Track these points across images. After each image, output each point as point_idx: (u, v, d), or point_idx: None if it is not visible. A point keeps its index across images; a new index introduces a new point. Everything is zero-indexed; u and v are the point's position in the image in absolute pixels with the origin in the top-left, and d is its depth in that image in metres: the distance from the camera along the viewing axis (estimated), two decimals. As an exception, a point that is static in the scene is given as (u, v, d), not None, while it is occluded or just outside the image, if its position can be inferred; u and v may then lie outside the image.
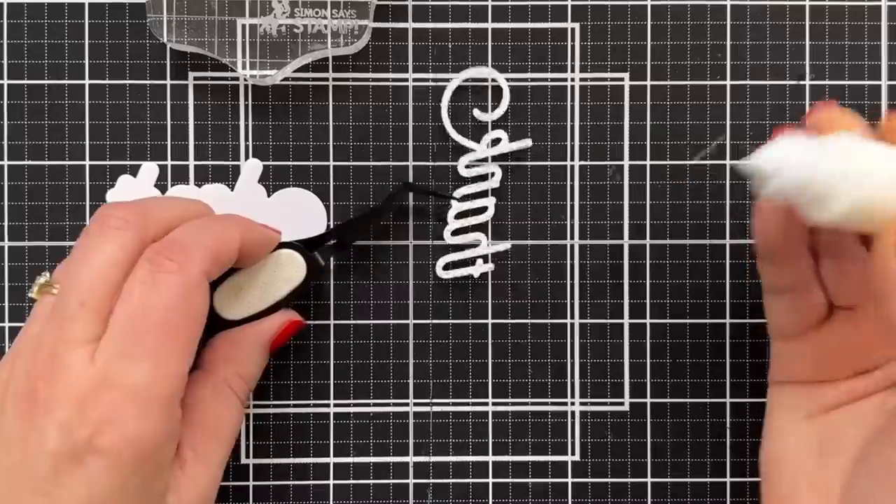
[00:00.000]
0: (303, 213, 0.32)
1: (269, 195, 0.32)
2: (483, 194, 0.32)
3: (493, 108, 0.32)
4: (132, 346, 0.24)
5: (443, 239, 0.32)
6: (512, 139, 0.32)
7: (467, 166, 0.32)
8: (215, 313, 0.29)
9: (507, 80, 0.32)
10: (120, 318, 0.25)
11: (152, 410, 0.24)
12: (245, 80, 0.32)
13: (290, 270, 0.30)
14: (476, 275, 0.32)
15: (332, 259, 0.32)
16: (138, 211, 0.27)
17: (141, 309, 0.25)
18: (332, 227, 0.32)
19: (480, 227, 0.32)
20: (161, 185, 0.32)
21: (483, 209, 0.32)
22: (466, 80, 0.32)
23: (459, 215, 0.32)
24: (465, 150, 0.32)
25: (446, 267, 0.32)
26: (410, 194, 0.32)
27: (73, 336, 0.25)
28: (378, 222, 0.31)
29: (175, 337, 0.25)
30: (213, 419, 0.28)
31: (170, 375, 0.25)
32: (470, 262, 0.32)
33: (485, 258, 0.32)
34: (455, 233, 0.32)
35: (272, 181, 0.32)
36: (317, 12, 0.31)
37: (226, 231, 0.27)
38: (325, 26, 0.31)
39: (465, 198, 0.32)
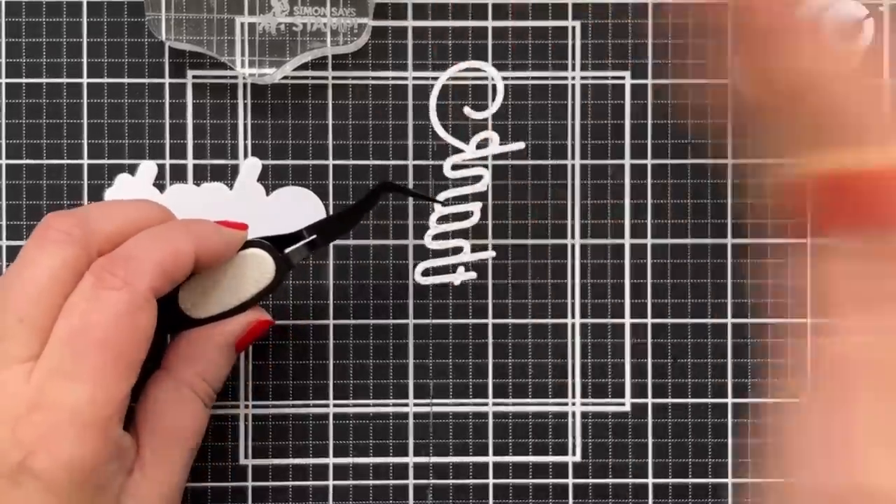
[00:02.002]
0: (302, 213, 0.32)
1: (268, 194, 0.32)
2: (468, 198, 0.30)
3: (485, 107, 0.30)
4: (70, 365, 0.24)
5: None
6: (513, 138, 0.32)
7: (454, 167, 0.30)
8: (181, 311, 0.28)
9: (508, 78, 0.32)
10: (59, 335, 0.24)
11: (88, 434, 0.23)
12: (244, 78, 0.32)
13: (258, 272, 0.28)
14: (456, 283, 0.30)
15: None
16: (81, 223, 0.25)
17: (81, 326, 0.24)
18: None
19: (472, 231, 0.30)
20: (159, 183, 0.32)
21: (470, 213, 0.30)
22: (459, 73, 0.31)
23: (443, 219, 0.30)
24: (459, 151, 0.31)
25: (426, 272, 0.30)
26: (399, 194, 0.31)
27: (9, 353, 0.24)
28: (356, 222, 0.29)
29: (117, 357, 0.24)
30: (172, 422, 0.27)
31: (109, 398, 0.24)
32: (451, 269, 0.30)
33: (466, 266, 0.30)
34: (435, 238, 0.30)
35: (271, 180, 0.32)
36: (316, 10, 0.30)
37: (178, 242, 0.26)
38: (325, 24, 0.31)
39: (449, 201, 0.30)
